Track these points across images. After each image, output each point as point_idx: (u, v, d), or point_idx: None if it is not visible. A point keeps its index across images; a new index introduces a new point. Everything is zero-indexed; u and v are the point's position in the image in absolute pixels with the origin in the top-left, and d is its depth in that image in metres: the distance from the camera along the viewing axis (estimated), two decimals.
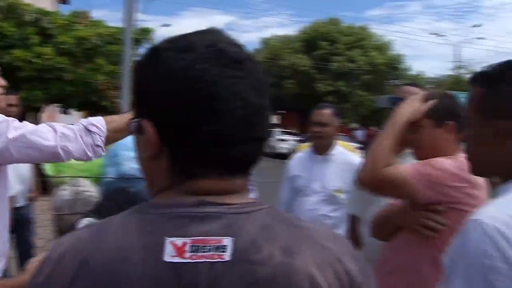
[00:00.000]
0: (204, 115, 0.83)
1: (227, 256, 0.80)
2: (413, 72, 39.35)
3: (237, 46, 0.90)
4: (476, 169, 1.44)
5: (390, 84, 36.55)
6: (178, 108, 0.84)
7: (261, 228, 0.84)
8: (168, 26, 35.82)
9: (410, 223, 2.04)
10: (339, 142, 3.73)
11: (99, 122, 2.03)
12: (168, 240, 0.81)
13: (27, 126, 1.87)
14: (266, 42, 41.42)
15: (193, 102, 0.83)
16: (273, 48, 38.15)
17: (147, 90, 0.89)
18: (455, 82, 28.29)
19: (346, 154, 3.63)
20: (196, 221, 0.83)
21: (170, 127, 0.85)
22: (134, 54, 13.84)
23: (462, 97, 2.30)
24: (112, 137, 2.14)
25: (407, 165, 2.04)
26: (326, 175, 3.50)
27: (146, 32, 18.19)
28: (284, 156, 15.84)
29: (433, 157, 2.08)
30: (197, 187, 0.86)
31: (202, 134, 0.84)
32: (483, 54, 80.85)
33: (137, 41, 15.98)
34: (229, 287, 0.80)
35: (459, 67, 33.27)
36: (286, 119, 36.32)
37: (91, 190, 3.34)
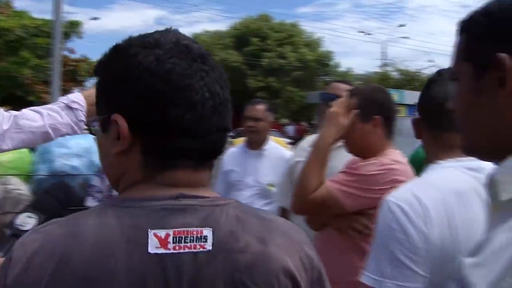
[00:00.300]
0: (180, 106, 0.87)
1: (208, 246, 0.85)
2: (342, 69, 40.26)
3: (197, 43, 0.95)
4: None
5: (320, 80, 37.27)
6: (152, 101, 0.86)
7: (235, 220, 0.90)
8: (97, 19, 34.90)
9: (338, 223, 2.09)
10: (272, 137, 3.82)
11: (78, 98, 2.07)
12: (152, 232, 0.83)
13: (13, 112, 1.88)
14: (197, 37, 41.16)
15: (168, 94, 0.86)
16: (204, 43, 37.91)
17: (117, 86, 0.91)
18: (382, 78, 29.23)
19: (279, 149, 3.73)
20: (176, 213, 0.86)
21: (145, 121, 0.87)
22: (62, 47, 13.43)
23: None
24: (93, 110, 2.13)
25: (331, 181, 2.04)
26: (259, 169, 3.57)
27: (74, 25, 17.64)
28: None
29: (362, 151, 2.14)
30: (172, 179, 0.89)
31: (178, 125, 0.87)
32: (407, 53, 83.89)
33: (66, 35, 15.50)
34: (213, 275, 0.84)
35: (386, 64, 34.40)
36: None
37: (21, 188, 3.24)
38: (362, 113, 2.12)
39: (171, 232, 0.84)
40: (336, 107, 2.15)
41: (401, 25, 40.10)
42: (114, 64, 0.93)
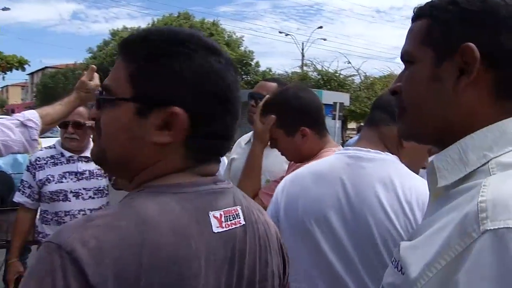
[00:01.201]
0: (231, 115, 0.97)
1: (242, 221, 0.99)
2: (262, 68, 40.53)
3: None
4: None
5: (240, 79, 37.29)
6: (217, 105, 0.94)
7: (244, 198, 1.05)
8: (7, 10, 33.10)
9: None
10: None
11: (34, 116, 2.06)
12: (211, 213, 0.93)
13: None
14: (115, 33, 40.25)
15: (228, 104, 0.96)
16: None
17: (181, 80, 0.91)
18: (301, 78, 29.69)
19: None
20: (220, 196, 0.97)
21: (201, 119, 0.93)
22: None
23: None
24: (46, 129, 2.18)
25: (265, 193, 2.03)
26: None
27: None
28: None
29: (300, 158, 2.10)
30: (206, 170, 0.97)
31: (226, 131, 0.98)
32: (325, 54, 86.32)
33: None
34: (250, 242, 0.99)
35: (305, 65, 35.00)
36: None
37: None
38: (286, 129, 2.07)
39: (222, 212, 0.95)
40: (264, 126, 2.13)
41: (319, 27, 40.92)
42: (180, 59, 0.92)
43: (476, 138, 0.88)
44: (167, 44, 0.93)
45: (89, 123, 2.97)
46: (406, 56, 1.01)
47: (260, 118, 2.16)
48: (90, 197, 3.06)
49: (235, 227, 0.96)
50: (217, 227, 0.92)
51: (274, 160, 2.41)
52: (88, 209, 3.02)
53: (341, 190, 1.53)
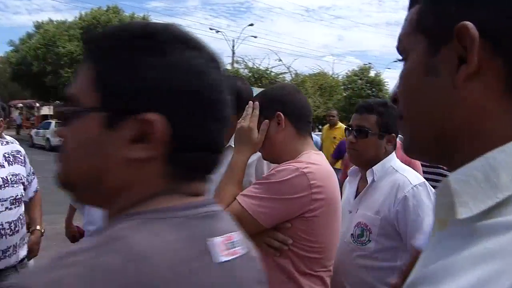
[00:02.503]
0: (218, 120, 0.81)
1: (244, 249, 0.86)
2: None
3: None
4: None
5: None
6: (198, 109, 0.78)
7: (233, 222, 0.91)
8: None
9: (254, 240, 1.87)
10: None
11: None
12: (210, 241, 0.78)
13: None
14: (40, 26, 38.73)
15: (212, 106, 0.80)
16: (48, 34, 35.79)
17: (154, 81, 0.75)
18: (233, 75, 29.68)
19: None
20: (215, 220, 0.82)
21: (182, 127, 0.77)
22: None
23: None
24: None
25: (243, 195, 1.85)
26: None
27: None
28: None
29: (275, 153, 2.00)
30: (192, 189, 0.82)
31: (208, 137, 0.81)
32: (256, 51, 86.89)
33: None
34: (248, 275, 0.85)
35: (236, 62, 35.02)
36: None
37: None
38: (264, 113, 1.98)
39: (222, 238, 0.81)
40: (247, 122, 1.98)
41: (250, 24, 41.00)
42: (155, 57, 0.76)
43: (509, 152, 0.62)
44: (134, 39, 0.78)
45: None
46: (399, 51, 0.80)
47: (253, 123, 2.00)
48: (7, 208, 2.79)
49: (236, 257, 0.82)
50: (220, 256, 0.78)
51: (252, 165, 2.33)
52: (7, 222, 2.77)
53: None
